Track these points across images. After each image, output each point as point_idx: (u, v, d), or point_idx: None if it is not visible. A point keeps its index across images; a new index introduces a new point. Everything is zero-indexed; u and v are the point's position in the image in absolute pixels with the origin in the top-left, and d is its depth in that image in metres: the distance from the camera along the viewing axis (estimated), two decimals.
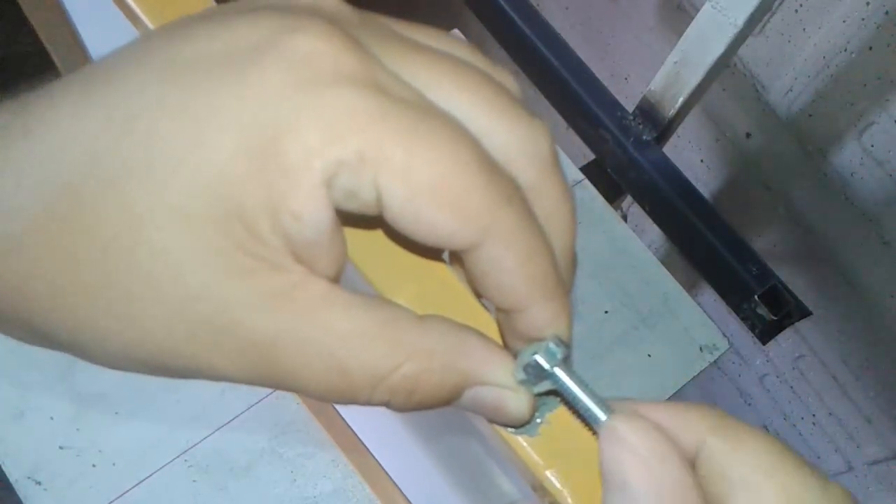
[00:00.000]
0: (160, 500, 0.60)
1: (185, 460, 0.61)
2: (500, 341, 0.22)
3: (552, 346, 0.21)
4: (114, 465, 0.60)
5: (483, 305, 0.23)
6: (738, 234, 0.71)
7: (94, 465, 0.60)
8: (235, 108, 0.19)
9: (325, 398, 0.20)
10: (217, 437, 0.62)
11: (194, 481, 0.60)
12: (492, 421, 0.22)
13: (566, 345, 0.22)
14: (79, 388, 0.62)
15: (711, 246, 0.71)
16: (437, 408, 0.21)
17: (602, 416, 0.21)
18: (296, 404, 0.64)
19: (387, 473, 0.58)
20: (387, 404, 0.21)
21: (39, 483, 0.59)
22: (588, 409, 0.21)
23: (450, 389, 0.21)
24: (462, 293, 0.23)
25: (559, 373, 0.21)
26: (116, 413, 0.62)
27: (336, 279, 0.20)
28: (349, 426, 0.59)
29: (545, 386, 0.22)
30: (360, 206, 0.20)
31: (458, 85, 0.21)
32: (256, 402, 0.63)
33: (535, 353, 0.21)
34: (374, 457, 0.58)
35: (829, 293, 0.94)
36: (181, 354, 0.20)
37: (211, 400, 0.63)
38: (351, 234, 0.21)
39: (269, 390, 0.64)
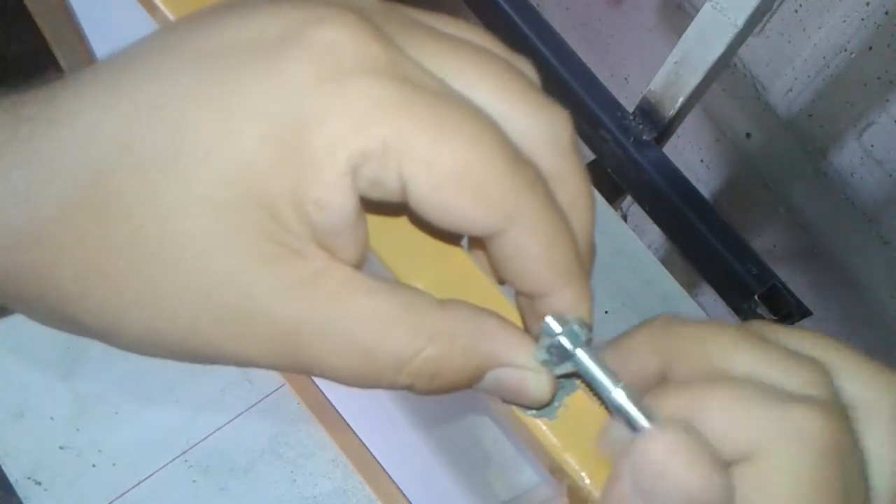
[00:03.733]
0: (160, 500, 0.60)
1: (185, 460, 0.61)
2: (519, 325, 0.23)
3: (576, 328, 0.22)
4: (114, 465, 0.60)
5: (500, 291, 0.23)
6: (738, 234, 0.71)
7: (94, 465, 0.60)
8: (261, 98, 0.19)
9: (350, 383, 0.21)
10: (217, 437, 0.62)
11: (194, 481, 0.60)
12: (512, 403, 0.23)
13: (589, 327, 0.22)
14: (79, 388, 0.62)
15: (711, 246, 0.71)
16: (459, 390, 0.22)
17: (636, 414, 0.21)
18: (296, 404, 0.64)
19: (387, 473, 0.58)
20: (410, 388, 0.21)
21: (39, 483, 0.59)
22: (609, 394, 0.21)
23: (472, 371, 0.21)
24: (480, 279, 0.23)
25: (581, 354, 0.22)
26: (116, 413, 0.62)
27: (359, 266, 0.21)
28: (349, 426, 0.59)
29: (566, 368, 0.22)
30: (385, 194, 0.20)
31: (479, 73, 0.21)
32: (256, 402, 0.63)
33: (559, 334, 0.22)
34: (374, 457, 0.58)
35: (829, 293, 0.94)
36: (207, 341, 0.20)
37: (211, 400, 0.63)
38: (369, 221, 0.21)
39: (270, 389, 0.64)
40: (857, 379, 0.21)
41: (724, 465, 0.20)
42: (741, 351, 0.21)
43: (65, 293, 0.20)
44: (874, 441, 0.21)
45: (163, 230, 0.19)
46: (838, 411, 0.20)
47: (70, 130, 0.20)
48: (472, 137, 0.19)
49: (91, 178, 0.19)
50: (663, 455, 0.20)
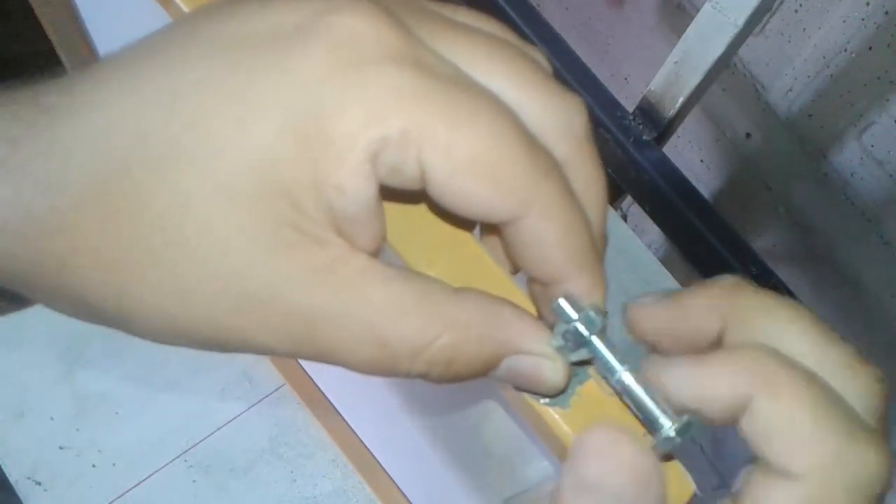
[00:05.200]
0: (160, 500, 0.60)
1: (185, 460, 0.61)
2: (533, 313, 0.23)
3: (592, 314, 0.22)
4: (114, 465, 0.60)
5: (513, 280, 0.24)
6: (738, 234, 0.71)
7: (94, 465, 0.60)
8: (280, 88, 0.19)
9: (366, 370, 0.21)
10: (217, 437, 0.62)
11: (194, 481, 0.60)
12: (527, 390, 0.23)
13: (604, 314, 0.22)
14: (79, 388, 0.62)
15: (711, 246, 0.71)
16: (474, 378, 0.22)
17: (649, 403, 0.21)
18: (296, 404, 0.64)
19: (387, 473, 0.58)
20: (425, 376, 0.21)
21: (39, 483, 0.59)
22: (622, 382, 0.22)
23: (487, 359, 0.21)
24: (492, 268, 0.23)
25: (597, 341, 0.22)
26: (116, 413, 0.62)
27: (376, 253, 0.21)
28: (349, 426, 0.59)
29: (581, 355, 0.22)
30: (403, 181, 0.20)
31: (494, 60, 0.21)
32: (256, 402, 0.63)
33: (576, 320, 0.22)
34: (374, 457, 0.58)
35: (829, 293, 0.94)
36: (226, 328, 0.20)
37: (211, 399, 0.63)
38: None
39: (270, 389, 0.64)
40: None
41: (755, 461, 0.20)
42: (808, 338, 0.21)
43: (85, 282, 0.20)
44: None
45: (182, 219, 0.19)
46: (888, 447, 0.20)
47: (89, 120, 0.20)
48: (489, 124, 0.20)
49: (110, 167, 0.20)
50: (600, 444, 0.20)
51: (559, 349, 0.22)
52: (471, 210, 0.20)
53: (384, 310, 0.20)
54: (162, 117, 0.19)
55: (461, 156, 0.19)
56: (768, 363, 0.20)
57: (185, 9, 0.28)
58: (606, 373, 0.22)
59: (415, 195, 0.21)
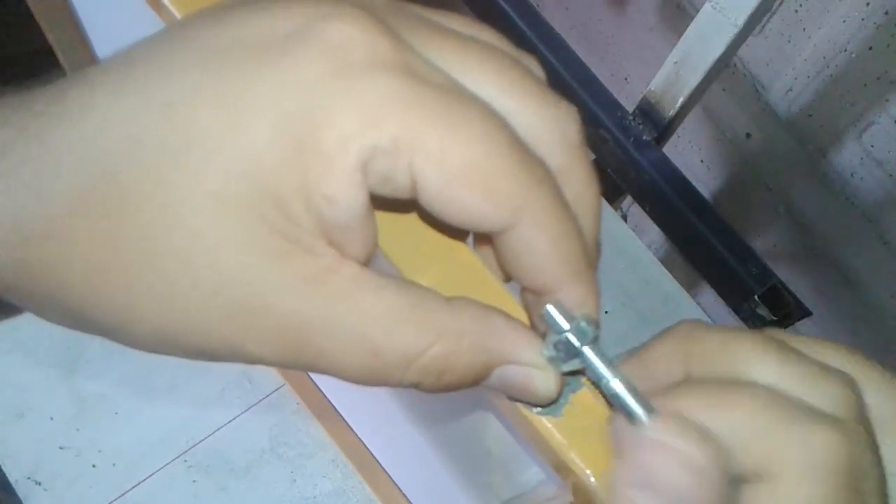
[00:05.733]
0: (160, 500, 0.60)
1: (185, 460, 0.61)
2: (525, 323, 0.23)
3: (584, 324, 0.22)
4: (114, 465, 0.60)
5: (506, 289, 0.23)
6: (738, 234, 0.71)
7: (94, 465, 0.60)
8: (272, 94, 0.19)
9: (357, 380, 0.21)
10: (217, 437, 0.62)
11: (194, 481, 0.60)
12: (518, 400, 0.23)
13: (596, 324, 0.22)
14: (79, 388, 0.62)
15: (711, 246, 0.71)
16: (466, 387, 0.21)
17: (637, 409, 0.21)
18: (296, 404, 0.64)
19: (387, 473, 0.58)
20: (417, 385, 0.21)
21: (39, 483, 0.59)
22: (614, 391, 0.21)
23: (479, 369, 0.21)
24: (486, 276, 0.23)
25: (588, 352, 0.22)
26: (116, 413, 0.62)
27: (366, 262, 0.21)
28: (349, 426, 0.59)
29: (573, 365, 0.22)
30: (394, 190, 0.20)
31: (486, 68, 0.21)
32: (256, 403, 0.63)
33: (567, 331, 0.21)
34: (374, 457, 0.58)
35: (829, 293, 0.94)
36: (215, 337, 0.20)
37: (211, 400, 0.63)
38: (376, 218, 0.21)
39: (270, 389, 0.64)
40: (879, 392, 0.21)
41: (732, 474, 0.19)
42: (768, 359, 0.21)
43: (74, 289, 0.20)
44: (892, 455, 0.20)
45: (172, 226, 0.19)
46: (862, 433, 0.20)
47: (80, 126, 0.20)
48: (482, 133, 0.20)
49: (101, 173, 0.19)
50: (657, 446, 0.19)
51: (551, 359, 0.22)
52: (463, 219, 0.20)
53: (375, 319, 0.20)
54: (153, 123, 0.19)
55: (453, 164, 0.19)
56: (722, 387, 0.20)
57: (178, 14, 0.28)
58: (597, 382, 0.22)
59: (409, 203, 0.21)
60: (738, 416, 0.20)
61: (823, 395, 0.20)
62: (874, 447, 0.20)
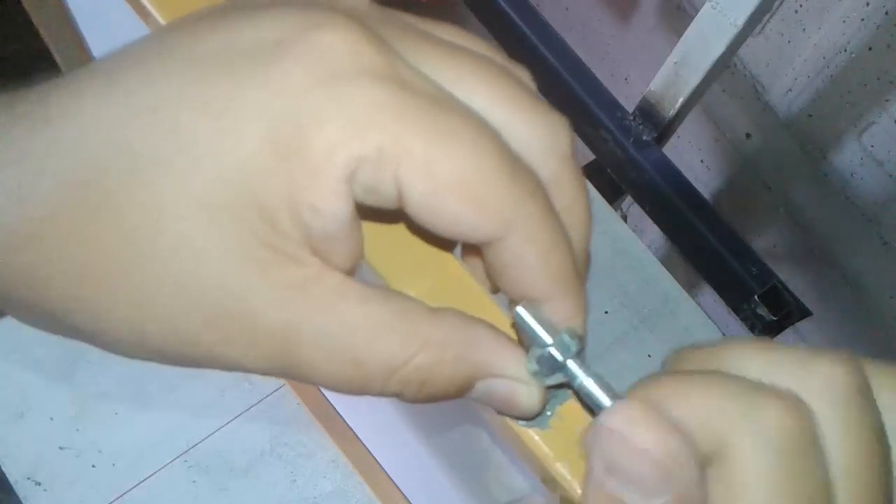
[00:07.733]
0: (160, 500, 0.60)
1: (185, 460, 0.61)
2: (511, 335, 0.22)
3: (567, 338, 0.21)
4: (114, 465, 0.60)
5: (493, 300, 0.23)
6: (738, 234, 0.71)
7: (94, 466, 0.60)
8: (259, 102, 0.19)
9: (339, 389, 0.20)
10: (217, 437, 0.62)
11: (194, 481, 0.60)
12: (502, 413, 0.22)
13: (581, 338, 0.22)
14: (79, 388, 0.62)
15: (711, 246, 0.71)
16: (449, 399, 0.21)
17: (606, 400, 0.21)
18: (296, 404, 0.64)
19: (387, 473, 0.58)
20: (399, 395, 0.21)
21: (39, 483, 0.59)
22: (600, 404, 0.21)
23: (462, 381, 0.21)
24: (473, 287, 0.23)
25: (572, 365, 0.21)
26: (116, 413, 0.62)
27: (352, 272, 0.21)
28: (349, 426, 0.59)
29: (557, 379, 0.22)
30: (381, 200, 0.20)
31: (477, 79, 0.21)
32: (256, 402, 0.63)
33: (550, 345, 0.21)
34: (374, 457, 0.58)
35: (829, 293, 0.94)
36: (197, 344, 0.20)
37: (211, 400, 0.63)
38: (363, 227, 0.21)
39: (270, 390, 0.64)
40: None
41: (700, 459, 0.19)
42: (747, 348, 0.21)
43: (56, 294, 0.20)
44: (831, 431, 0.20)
45: (156, 231, 0.19)
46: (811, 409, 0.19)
47: (64, 130, 0.19)
48: (471, 143, 0.19)
49: (84, 178, 0.19)
50: (622, 424, 0.19)
51: (535, 374, 0.21)
52: (450, 230, 0.20)
53: (358, 328, 0.20)
54: (139, 128, 0.19)
55: (441, 175, 0.19)
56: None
57: (162, 21, 0.28)
58: (583, 396, 0.21)
59: (397, 213, 0.21)
60: (695, 401, 0.19)
61: (810, 377, 0.20)
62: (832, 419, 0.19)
